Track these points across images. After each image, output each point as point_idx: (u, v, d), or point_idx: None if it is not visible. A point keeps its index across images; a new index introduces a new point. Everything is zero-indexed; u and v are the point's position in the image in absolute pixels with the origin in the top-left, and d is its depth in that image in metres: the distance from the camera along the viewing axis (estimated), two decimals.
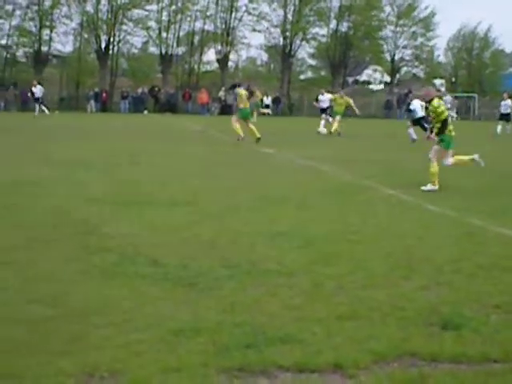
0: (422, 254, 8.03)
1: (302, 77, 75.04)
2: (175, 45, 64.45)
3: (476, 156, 14.73)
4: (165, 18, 62.89)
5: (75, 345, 4.94)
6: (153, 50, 66.42)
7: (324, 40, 68.23)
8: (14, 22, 60.08)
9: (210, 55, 68.13)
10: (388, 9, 69.17)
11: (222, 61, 65.11)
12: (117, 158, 18.44)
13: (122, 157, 18.79)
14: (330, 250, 8.09)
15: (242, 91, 26.14)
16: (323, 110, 34.01)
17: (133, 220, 9.80)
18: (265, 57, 76.88)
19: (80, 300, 5.96)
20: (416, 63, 73.21)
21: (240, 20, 64.83)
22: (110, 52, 62.48)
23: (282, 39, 66.13)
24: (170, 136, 29.05)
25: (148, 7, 62.46)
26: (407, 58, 71.93)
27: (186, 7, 63.33)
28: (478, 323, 5.58)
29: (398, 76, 73.29)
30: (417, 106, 27.39)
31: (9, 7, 59.62)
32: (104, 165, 16.93)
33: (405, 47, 70.40)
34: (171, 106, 57.86)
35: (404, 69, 75.69)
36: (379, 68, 76.37)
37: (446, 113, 14.27)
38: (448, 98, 52.06)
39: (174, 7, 62.66)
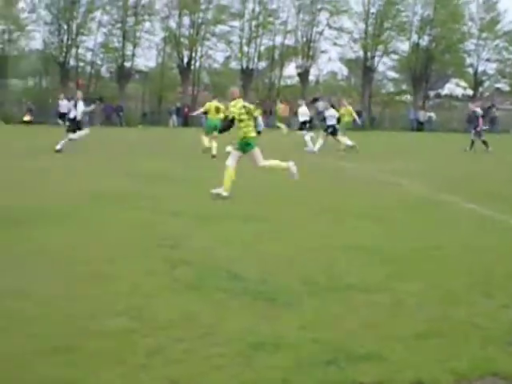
0: (504, 270, 7.90)
1: (383, 90, 74.59)
2: (256, 59, 64.81)
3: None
4: (247, 32, 63.37)
5: (156, 358, 5.01)
6: (234, 64, 66.93)
7: (405, 53, 67.78)
8: (99, 40, 61.53)
9: (291, 69, 68.30)
10: (470, 22, 68.38)
11: (303, 75, 65.18)
12: (196, 172, 18.66)
13: (200, 171, 18.98)
14: (409, 265, 8.04)
15: (212, 104, 27.01)
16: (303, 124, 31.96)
17: (213, 234, 9.90)
18: (345, 71, 76.70)
19: (162, 313, 6.04)
20: (499, 77, 72.01)
21: (321, 34, 64.90)
22: (192, 67, 63.12)
23: (362, 53, 65.92)
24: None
25: (230, 22, 63.14)
26: (490, 71, 70.85)
27: (268, 22, 63.68)
28: None
29: (480, 89, 72.16)
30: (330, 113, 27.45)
31: (92, 25, 60.99)
32: (185, 178, 17.15)
33: (488, 60, 69.37)
34: None
35: (487, 82, 74.53)
36: (461, 82, 75.31)
37: None
38: None
39: (255, 22, 63.04)
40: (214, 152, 23.69)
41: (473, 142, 30.26)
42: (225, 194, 13.63)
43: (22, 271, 7.47)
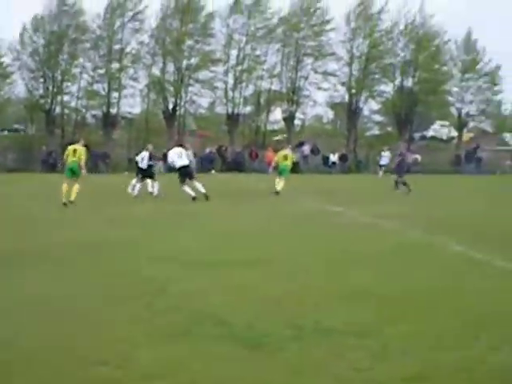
0: (493, 312, 7.86)
1: (368, 133, 75.00)
2: (242, 104, 65.16)
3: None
4: (231, 78, 63.79)
5: None
6: (219, 109, 67.17)
7: (389, 96, 68.27)
8: (82, 84, 62.08)
9: (277, 114, 68.63)
10: (451, 63, 68.99)
11: (288, 119, 65.50)
12: (180, 218, 18.70)
13: (186, 217, 19.03)
14: (397, 309, 7.99)
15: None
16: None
17: (200, 279, 9.85)
18: (331, 114, 77.15)
19: (147, 362, 5.99)
20: (483, 118, 72.61)
21: (306, 78, 65.32)
22: (177, 113, 63.35)
23: (347, 96, 66.36)
24: (242, 195, 29.22)
25: (215, 68, 63.52)
26: (473, 112, 71.35)
27: (254, 67, 64.14)
28: None
29: (465, 130, 72.65)
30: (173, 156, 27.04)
31: (75, 70, 61.41)
32: (169, 224, 17.20)
33: (471, 102, 69.91)
34: (238, 165, 58.35)
35: (471, 123, 75.08)
36: (446, 123, 75.83)
37: None
38: None
39: (240, 67, 63.49)
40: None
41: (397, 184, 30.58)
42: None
43: (8, 321, 7.42)
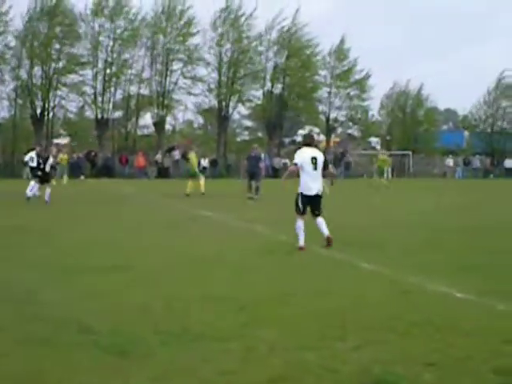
0: (356, 313, 8.04)
1: (238, 139, 75.55)
2: (111, 109, 64.40)
3: None
4: (99, 82, 62.92)
5: None
6: (89, 113, 66.23)
7: (259, 101, 68.94)
8: None
9: (147, 119, 68.30)
10: (323, 72, 70.44)
11: (159, 124, 65.18)
12: (51, 224, 18.34)
13: (56, 222, 18.68)
14: (263, 312, 8.06)
15: None
16: None
17: (67, 286, 9.68)
18: (202, 119, 77.32)
19: (10, 371, 5.84)
20: (350, 123, 74.41)
21: (175, 83, 65.17)
22: (46, 117, 61.97)
23: (217, 102, 66.57)
24: (106, 200, 28.92)
25: (82, 72, 62.47)
26: (342, 118, 73.05)
27: (121, 71, 63.46)
28: (410, 382, 5.60)
29: (333, 136, 74.18)
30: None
31: None
32: (41, 231, 16.83)
33: (339, 108, 71.51)
34: (108, 171, 57.69)
35: (339, 129, 76.79)
36: (315, 128, 77.21)
37: None
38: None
39: (108, 71, 62.72)
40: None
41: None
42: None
43: None
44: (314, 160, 13.59)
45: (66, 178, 46.29)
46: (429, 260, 12.21)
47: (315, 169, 13.61)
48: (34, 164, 28.26)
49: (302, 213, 13.63)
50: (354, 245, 14.14)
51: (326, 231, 13.74)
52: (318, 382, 5.60)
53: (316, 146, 14.16)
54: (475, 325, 7.44)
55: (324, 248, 13.46)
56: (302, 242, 13.44)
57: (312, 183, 13.58)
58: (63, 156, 47.02)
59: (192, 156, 32.25)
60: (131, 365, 6.03)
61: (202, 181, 31.27)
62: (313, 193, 13.61)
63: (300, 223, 13.53)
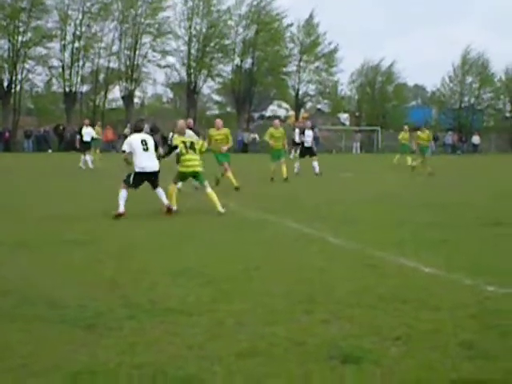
0: (323, 287, 8.06)
1: (208, 113, 75.36)
2: (79, 82, 63.86)
3: None
4: (67, 55, 62.34)
5: None
6: (56, 87, 65.64)
7: (229, 76, 68.79)
8: None
9: (116, 92, 67.84)
10: (291, 45, 70.38)
11: (127, 98, 64.82)
12: (16, 196, 18.19)
13: (19, 196, 18.52)
14: (230, 287, 8.06)
15: None
16: None
17: (31, 261, 9.62)
18: (171, 94, 77.03)
19: None
20: (320, 98, 74.48)
21: (145, 57, 64.83)
22: (13, 91, 61.25)
23: (186, 76, 66.31)
24: (70, 174, 28.75)
25: (49, 45, 61.91)
26: (311, 92, 73.15)
27: (89, 45, 62.98)
28: (377, 355, 5.62)
29: (302, 111, 74.22)
30: None
31: None
32: (6, 204, 16.69)
33: (309, 82, 71.59)
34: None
35: (309, 104, 76.86)
36: (284, 103, 77.19)
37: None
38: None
39: (77, 44, 62.14)
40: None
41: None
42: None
43: None
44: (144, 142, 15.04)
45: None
46: (396, 235, 12.28)
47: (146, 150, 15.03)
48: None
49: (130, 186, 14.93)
50: (323, 220, 14.16)
51: (165, 201, 15.05)
52: (285, 356, 5.60)
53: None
54: (443, 299, 7.48)
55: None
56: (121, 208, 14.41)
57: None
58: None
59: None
60: (99, 338, 6.00)
61: None
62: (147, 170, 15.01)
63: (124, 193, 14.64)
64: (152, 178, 15.08)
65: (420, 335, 6.19)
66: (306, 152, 29.42)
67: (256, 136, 62.17)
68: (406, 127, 39.18)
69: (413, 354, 5.70)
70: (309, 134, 29.67)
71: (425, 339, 6.07)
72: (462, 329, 6.38)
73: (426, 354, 5.69)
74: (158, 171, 15.22)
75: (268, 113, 77.75)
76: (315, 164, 29.14)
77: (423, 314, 6.87)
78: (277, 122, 27.48)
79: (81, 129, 34.28)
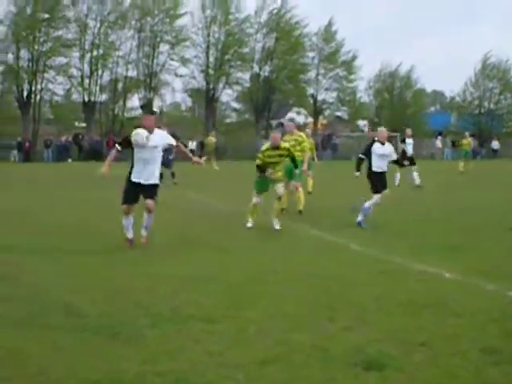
0: (344, 293, 8.06)
1: (226, 120, 75.37)
2: (98, 91, 64.06)
3: None
4: (86, 64, 62.51)
5: None
6: (76, 97, 65.81)
7: (247, 84, 68.81)
8: None
9: (134, 101, 67.92)
10: (311, 53, 70.35)
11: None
12: (35, 204, 18.27)
13: (34, 203, 18.60)
14: (251, 293, 8.07)
15: None
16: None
17: (51, 268, 9.66)
18: (189, 101, 77.07)
19: None
20: (339, 105, 74.30)
21: (163, 65, 64.93)
22: (32, 100, 61.51)
23: (205, 84, 66.39)
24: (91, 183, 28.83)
25: (69, 54, 61.94)
26: (330, 100, 73.03)
27: (108, 54, 63.12)
28: (401, 362, 5.59)
29: (321, 118, 74.12)
30: None
31: None
32: (18, 211, 16.80)
33: (327, 89, 71.48)
34: (96, 154, 57.37)
35: (327, 111, 76.65)
36: (303, 110, 77.02)
37: None
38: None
39: (95, 53, 62.34)
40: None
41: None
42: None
43: None
44: None
45: None
46: (418, 241, 12.24)
47: None
48: None
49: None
50: (342, 227, 14.13)
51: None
52: (308, 362, 5.58)
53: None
54: (464, 304, 7.46)
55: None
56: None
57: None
58: None
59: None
60: (121, 347, 6.00)
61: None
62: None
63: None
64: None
65: (442, 341, 6.16)
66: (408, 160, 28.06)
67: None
68: (466, 133, 39.39)
69: (436, 359, 5.66)
70: (409, 142, 29.15)
71: (447, 345, 6.05)
72: (484, 334, 6.35)
73: (449, 359, 5.66)
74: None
75: (286, 121, 77.46)
76: (415, 175, 27.01)
77: (445, 320, 6.86)
78: (309, 131, 24.38)
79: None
